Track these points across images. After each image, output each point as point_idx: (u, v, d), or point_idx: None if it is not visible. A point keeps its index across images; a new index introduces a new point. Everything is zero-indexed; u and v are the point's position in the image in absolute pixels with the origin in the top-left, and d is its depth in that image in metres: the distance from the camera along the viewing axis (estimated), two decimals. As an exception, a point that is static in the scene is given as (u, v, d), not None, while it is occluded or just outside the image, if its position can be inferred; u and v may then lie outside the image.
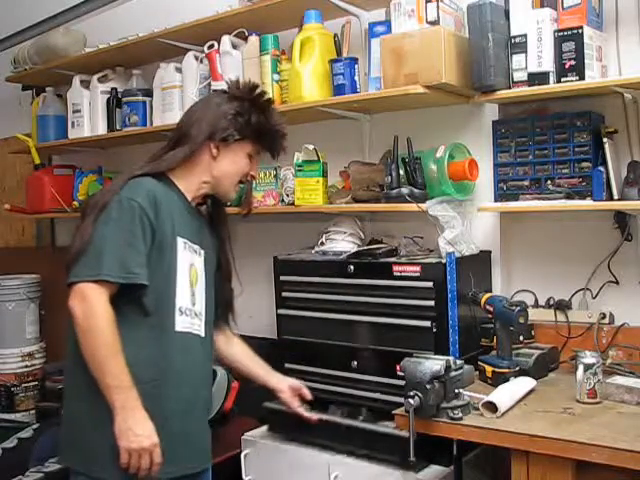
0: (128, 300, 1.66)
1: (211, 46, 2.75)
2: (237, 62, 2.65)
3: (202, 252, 1.85)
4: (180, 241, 1.76)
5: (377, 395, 2.24)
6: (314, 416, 2.16)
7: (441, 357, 1.83)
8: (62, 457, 1.81)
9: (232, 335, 2.07)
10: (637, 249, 2.18)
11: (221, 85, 2.58)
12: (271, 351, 2.65)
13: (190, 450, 1.77)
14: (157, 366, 1.70)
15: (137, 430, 1.59)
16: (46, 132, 3.53)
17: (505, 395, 1.83)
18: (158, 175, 1.78)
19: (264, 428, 2.56)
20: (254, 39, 2.65)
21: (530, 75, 2.08)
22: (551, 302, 2.31)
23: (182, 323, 1.75)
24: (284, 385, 2.12)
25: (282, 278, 2.48)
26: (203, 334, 1.83)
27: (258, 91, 1.85)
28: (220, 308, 1.96)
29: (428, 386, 1.73)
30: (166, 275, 1.72)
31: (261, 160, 1.94)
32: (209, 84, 2.78)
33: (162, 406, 1.70)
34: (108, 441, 1.61)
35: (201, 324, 1.82)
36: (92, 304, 1.59)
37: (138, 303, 1.68)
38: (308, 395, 2.14)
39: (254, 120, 1.81)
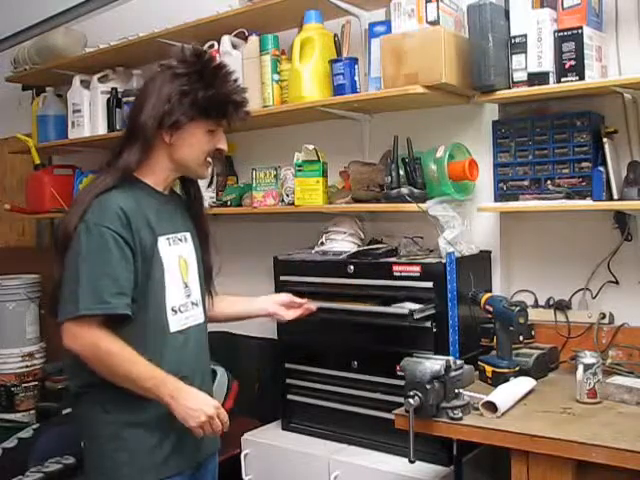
0: (122, 319, 1.64)
1: (211, 46, 2.74)
2: (237, 62, 2.65)
3: (187, 235, 1.82)
4: (162, 240, 1.72)
5: (377, 395, 2.24)
6: (312, 306, 2.07)
7: (441, 357, 1.83)
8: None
9: (216, 296, 1.99)
10: (637, 249, 2.18)
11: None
12: (271, 351, 2.66)
13: (198, 441, 1.75)
14: (159, 365, 1.66)
15: (193, 406, 1.59)
16: (46, 132, 3.53)
17: (505, 395, 1.83)
18: (127, 180, 1.72)
19: (265, 427, 2.57)
20: (254, 39, 2.64)
21: (530, 75, 2.08)
22: (551, 302, 2.31)
23: (178, 322, 1.73)
24: (269, 304, 2.03)
25: (282, 278, 2.48)
26: (202, 319, 1.83)
27: (205, 59, 1.73)
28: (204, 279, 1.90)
29: (428, 386, 1.73)
30: (155, 280, 1.69)
31: (227, 128, 1.79)
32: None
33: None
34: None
35: (200, 309, 1.82)
36: (85, 338, 1.58)
37: (135, 318, 1.65)
38: (300, 300, 2.05)
39: (201, 96, 1.67)
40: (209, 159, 1.79)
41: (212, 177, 1.85)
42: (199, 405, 1.60)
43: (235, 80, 1.77)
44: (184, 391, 1.62)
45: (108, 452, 1.68)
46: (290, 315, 2.05)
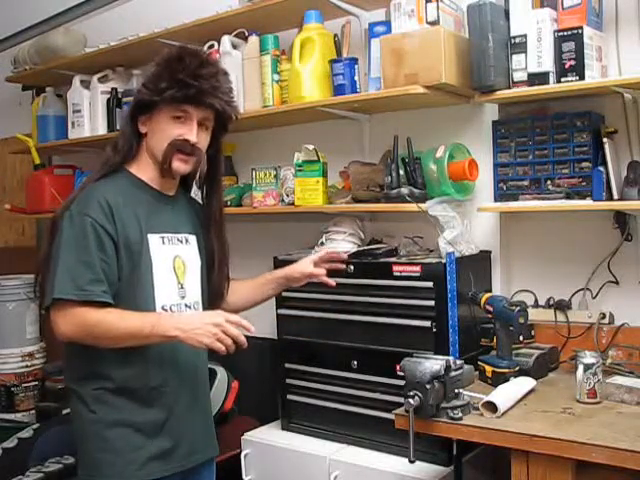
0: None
1: (211, 46, 2.74)
2: (237, 62, 2.65)
3: (191, 237, 1.82)
4: (154, 238, 1.71)
5: (377, 395, 2.24)
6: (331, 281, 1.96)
7: (441, 357, 1.83)
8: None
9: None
10: (637, 249, 2.18)
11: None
12: (271, 351, 2.66)
13: (194, 444, 1.76)
14: (145, 369, 1.67)
15: (197, 324, 1.56)
16: (46, 132, 3.53)
17: (505, 395, 1.83)
18: (119, 173, 1.73)
19: (265, 427, 2.57)
20: (254, 39, 2.65)
21: (530, 75, 2.08)
22: (551, 302, 2.31)
23: None
24: (307, 267, 1.95)
25: (282, 278, 2.48)
26: None
27: (184, 52, 1.70)
28: (210, 296, 1.87)
29: (428, 386, 1.73)
30: (143, 277, 1.67)
31: (194, 118, 1.70)
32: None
33: (160, 407, 1.69)
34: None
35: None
36: (69, 321, 1.58)
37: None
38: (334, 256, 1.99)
39: (156, 79, 1.68)
40: (181, 152, 1.70)
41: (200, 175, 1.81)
42: (202, 320, 1.57)
43: (201, 66, 1.68)
44: (183, 317, 1.62)
45: (93, 451, 1.68)
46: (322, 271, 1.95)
